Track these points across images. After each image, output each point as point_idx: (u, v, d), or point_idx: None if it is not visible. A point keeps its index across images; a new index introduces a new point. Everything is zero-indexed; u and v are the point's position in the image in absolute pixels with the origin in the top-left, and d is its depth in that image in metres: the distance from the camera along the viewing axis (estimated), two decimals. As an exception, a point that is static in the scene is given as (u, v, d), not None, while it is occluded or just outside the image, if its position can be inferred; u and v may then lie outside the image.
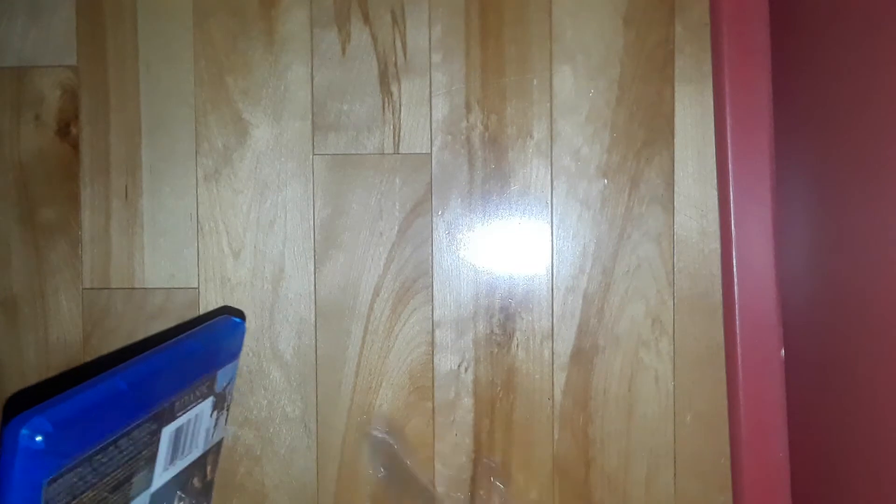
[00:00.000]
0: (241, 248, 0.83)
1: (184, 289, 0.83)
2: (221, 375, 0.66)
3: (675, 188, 0.81)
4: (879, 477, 0.56)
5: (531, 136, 0.81)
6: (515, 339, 0.82)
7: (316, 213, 0.83)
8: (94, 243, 0.84)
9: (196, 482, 0.66)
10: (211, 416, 0.66)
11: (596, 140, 0.81)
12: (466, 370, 0.82)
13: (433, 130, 0.82)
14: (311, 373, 0.83)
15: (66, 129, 0.84)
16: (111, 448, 0.51)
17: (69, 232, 0.84)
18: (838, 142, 0.61)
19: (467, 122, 0.82)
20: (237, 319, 0.70)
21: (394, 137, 0.82)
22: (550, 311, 0.82)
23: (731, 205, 0.77)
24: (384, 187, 0.82)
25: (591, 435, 0.82)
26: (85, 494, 0.49)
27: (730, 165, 0.77)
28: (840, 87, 0.61)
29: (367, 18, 0.82)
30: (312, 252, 0.83)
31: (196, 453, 0.65)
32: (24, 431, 0.43)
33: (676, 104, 0.81)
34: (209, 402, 0.65)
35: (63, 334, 0.84)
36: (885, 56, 0.53)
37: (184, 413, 0.60)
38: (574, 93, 0.81)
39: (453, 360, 0.82)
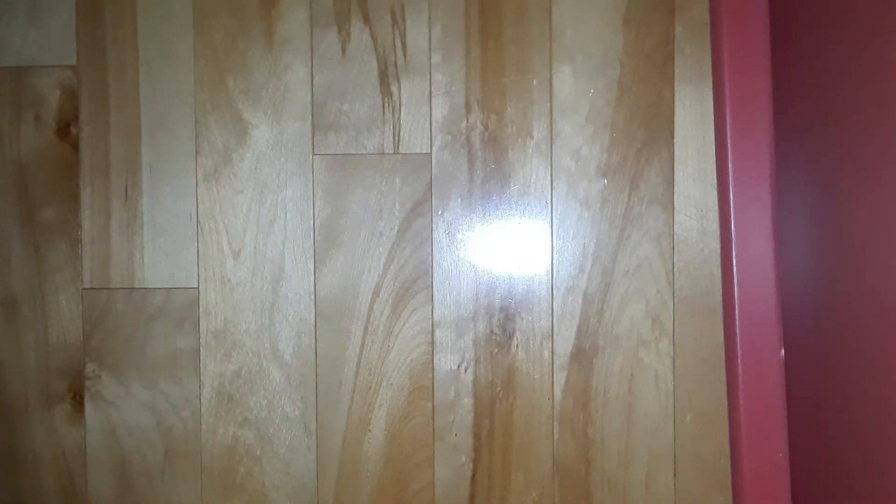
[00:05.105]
0: (241, 248, 0.83)
1: (184, 289, 0.83)
2: None
3: (675, 188, 0.81)
4: (879, 477, 0.56)
5: (531, 136, 0.81)
6: (515, 339, 0.82)
7: (316, 213, 0.83)
8: (94, 243, 0.84)
9: None
10: None
11: (596, 140, 0.81)
12: (466, 370, 0.82)
13: (433, 130, 0.82)
14: (311, 373, 0.83)
15: (66, 129, 0.84)
16: None
17: (69, 232, 0.84)
18: (838, 142, 0.61)
19: (467, 122, 0.82)
20: None
21: (394, 137, 0.82)
22: (550, 311, 0.82)
23: (731, 205, 0.77)
24: (384, 187, 0.82)
25: (590, 435, 0.82)
26: None
27: (730, 165, 0.77)
28: (840, 86, 0.61)
29: (367, 18, 0.82)
30: (312, 252, 0.83)
31: None
32: None
33: (676, 104, 0.81)
34: None
35: (63, 334, 0.84)
36: (884, 56, 0.53)
37: None
38: (574, 93, 0.81)
39: (453, 360, 0.82)
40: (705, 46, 0.80)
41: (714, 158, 0.80)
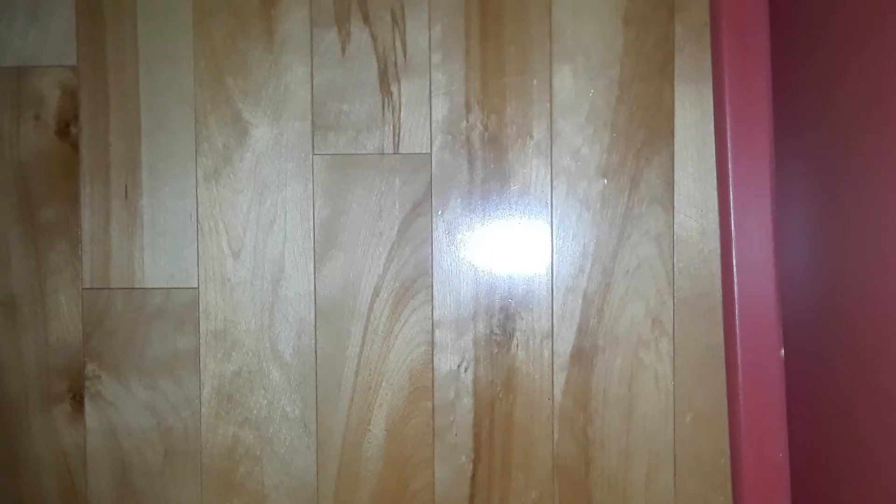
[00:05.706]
0: (241, 248, 0.83)
1: (184, 289, 0.83)
2: None
3: (675, 188, 0.81)
4: (879, 477, 0.56)
5: (531, 136, 0.81)
6: (515, 339, 0.82)
7: (316, 213, 0.83)
8: (94, 243, 0.84)
9: None
10: None
11: (596, 140, 0.81)
12: (466, 370, 0.82)
13: (433, 130, 0.82)
14: (311, 373, 0.83)
15: (65, 129, 0.84)
16: None
17: (69, 232, 0.84)
18: (838, 142, 0.61)
19: (467, 121, 0.82)
20: None
21: (394, 137, 0.82)
22: (550, 311, 0.82)
23: (731, 205, 0.77)
24: (384, 187, 0.82)
25: (590, 435, 0.82)
26: None
27: (730, 165, 0.77)
28: (840, 86, 0.61)
29: (367, 18, 0.82)
30: (312, 252, 0.83)
31: None
32: None
33: (676, 104, 0.81)
34: None
35: (63, 334, 0.84)
36: (884, 56, 0.53)
37: None
38: (574, 93, 0.81)
39: (453, 360, 0.82)
40: (705, 46, 0.80)
41: (714, 158, 0.80)
